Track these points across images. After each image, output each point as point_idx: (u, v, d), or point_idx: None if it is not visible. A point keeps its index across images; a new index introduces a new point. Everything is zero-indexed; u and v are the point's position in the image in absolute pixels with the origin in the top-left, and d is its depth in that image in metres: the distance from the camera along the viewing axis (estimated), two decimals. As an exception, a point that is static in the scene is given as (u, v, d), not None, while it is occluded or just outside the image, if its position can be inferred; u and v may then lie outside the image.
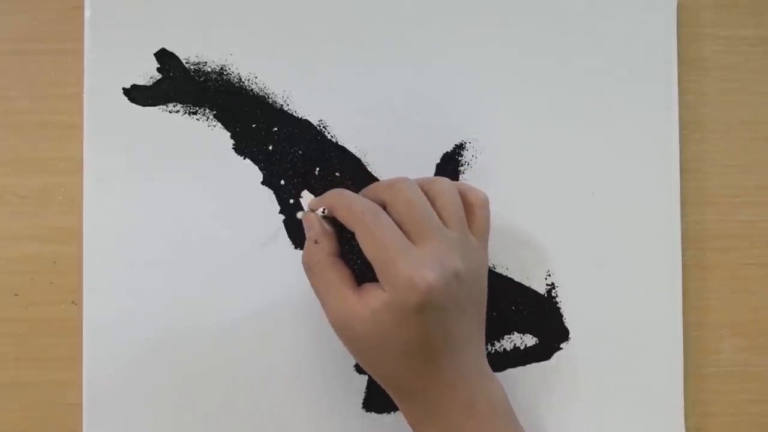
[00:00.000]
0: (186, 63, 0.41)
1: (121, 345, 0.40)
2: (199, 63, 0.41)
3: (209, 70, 0.41)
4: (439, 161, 0.41)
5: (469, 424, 0.34)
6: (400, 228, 0.34)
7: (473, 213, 0.36)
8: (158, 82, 0.41)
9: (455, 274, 0.33)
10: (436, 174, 0.41)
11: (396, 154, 0.41)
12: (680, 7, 0.42)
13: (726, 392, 0.42)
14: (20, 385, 0.41)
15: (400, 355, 0.33)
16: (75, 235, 0.41)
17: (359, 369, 0.41)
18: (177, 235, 0.41)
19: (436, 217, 0.34)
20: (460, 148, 0.42)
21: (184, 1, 0.41)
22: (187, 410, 0.40)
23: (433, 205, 0.35)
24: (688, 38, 0.43)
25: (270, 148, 0.41)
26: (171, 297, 0.41)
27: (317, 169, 0.41)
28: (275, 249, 0.41)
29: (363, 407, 0.41)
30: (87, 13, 0.41)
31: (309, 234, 0.36)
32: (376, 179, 0.41)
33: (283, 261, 0.41)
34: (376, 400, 0.41)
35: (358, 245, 0.34)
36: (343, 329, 0.34)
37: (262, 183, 0.41)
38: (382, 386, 0.36)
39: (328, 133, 0.41)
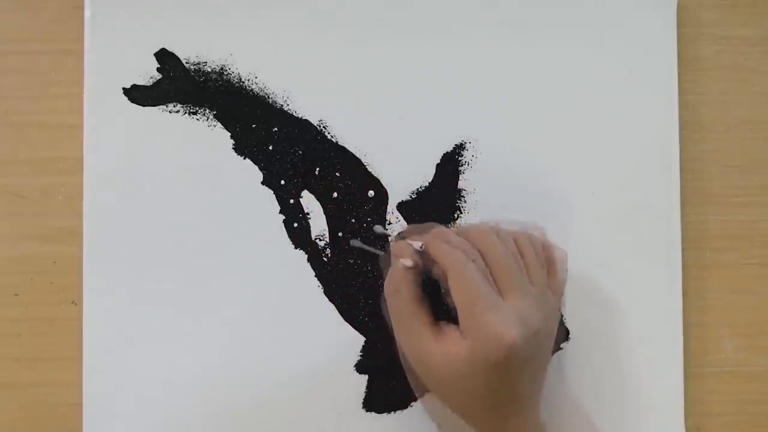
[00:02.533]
0: (186, 63, 0.41)
1: (121, 345, 0.40)
2: (199, 63, 0.41)
3: (209, 70, 0.41)
4: (439, 161, 0.41)
5: None
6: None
7: (553, 269, 0.38)
8: (158, 82, 0.41)
9: (536, 333, 0.34)
10: (436, 174, 0.41)
11: (396, 154, 0.41)
12: (680, 7, 0.42)
13: (726, 392, 0.42)
14: (20, 385, 0.41)
15: (469, 400, 0.34)
16: (75, 235, 0.41)
17: (359, 369, 0.41)
18: (177, 235, 0.41)
19: (524, 273, 0.35)
20: (460, 148, 0.42)
21: (184, 1, 0.41)
22: (187, 410, 0.40)
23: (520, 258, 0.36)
24: (688, 38, 0.43)
25: (270, 148, 0.41)
26: (171, 297, 0.41)
27: (317, 169, 0.41)
28: (275, 249, 0.41)
29: (363, 407, 0.41)
30: (87, 13, 0.41)
31: (398, 259, 0.36)
32: (376, 179, 0.41)
33: (283, 261, 0.41)
34: (376, 400, 0.41)
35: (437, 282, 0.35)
36: (421, 369, 0.35)
37: (262, 183, 0.41)
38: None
39: (328, 133, 0.41)
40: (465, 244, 0.35)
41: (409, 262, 0.35)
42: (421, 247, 0.36)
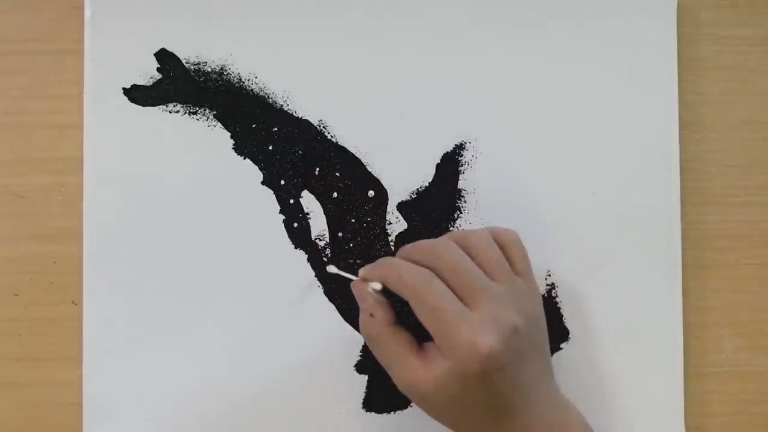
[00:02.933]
0: (186, 63, 0.41)
1: (121, 345, 0.40)
2: (199, 63, 0.41)
3: (209, 70, 0.41)
4: (439, 161, 0.41)
5: None
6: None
7: (509, 253, 0.36)
8: (158, 82, 0.41)
9: (513, 330, 0.33)
10: (436, 174, 0.41)
11: (396, 154, 0.41)
12: (680, 7, 0.42)
13: (726, 392, 0.42)
14: (20, 385, 0.41)
15: (471, 413, 0.34)
16: (75, 235, 0.41)
17: (359, 369, 0.41)
18: (177, 235, 0.41)
19: (483, 275, 0.35)
20: (460, 148, 0.42)
21: (184, 1, 0.41)
22: (186, 410, 0.40)
23: (474, 260, 0.35)
24: (688, 38, 0.43)
25: (270, 148, 0.41)
26: (170, 297, 0.41)
27: (317, 169, 0.41)
28: (275, 249, 0.41)
29: (363, 407, 0.41)
30: (87, 13, 0.41)
31: (363, 306, 0.36)
32: (376, 179, 0.41)
33: (283, 261, 0.41)
34: (376, 400, 0.41)
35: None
36: (412, 394, 0.35)
37: (262, 183, 0.41)
38: None
39: (328, 133, 0.41)
40: (415, 268, 0.35)
41: (378, 285, 0.35)
42: (381, 289, 0.36)
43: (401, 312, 0.36)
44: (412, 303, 0.34)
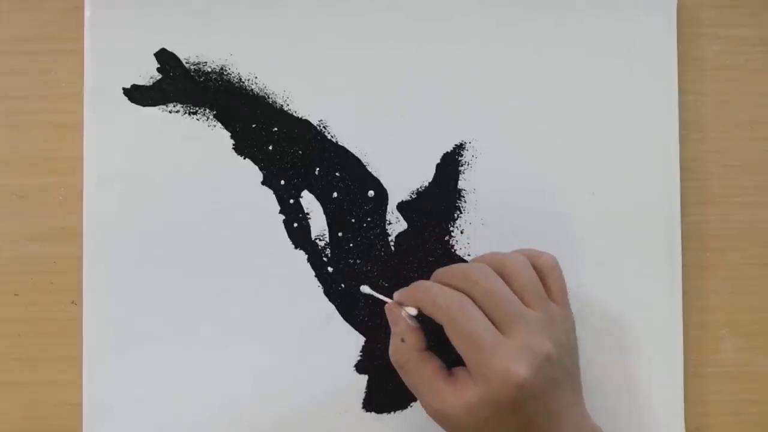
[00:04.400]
0: (186, 63, 0.41)
1: (121, 345, 0.40)
2: (199, 63, 0.41)
3: (209, 70, 0.41)
4: (439, 161, 0.41)
5: None
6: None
7: (546, 279, 0.36)
8: (158, 82, 0.41)
9: (547, 358, 0.33)
10: (436, 174, 0.41)
11: (396, 154, 0.41)
12: (680, 7, 0.42)
13: (726, 392, 0.42)
14: (20, 385, 0.41)
15: None
16: (75, 235, 0.41)
17: (359, 369, 0.41)
18: (177, 235, 0.41)
19: (518, 301, 0.34)
20: (460, 148, 0.42)
21: (184, 1, 0.41)
22: (186, 409, 0.40)
23: (509, 285, 0.35)
24: (688, 38, 0.43)
25: (270, 148, 0.41)
26: (170, 297, 0.41)
27: (317, 169, 0.41)
28: (275, 249, 0.41)
29: (363, 407, 0.41)
30: (87, 13, 0.41)
31: (395, 330, 0.36)
32: (376, 179, 0.41)
33: (283, 261, 0.41)
34: (376, 400, 0.41)
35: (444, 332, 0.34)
36: (441, 420, 0.35)
37: (262, 183, 0.41)
38: None
39: (328, 133, 0.41)
40: (450, 292, 0.35)
41: (413, 310, 0.36)
42: (417, 315, 0.36)
43: (431, 335, 0.36)
44: (447, 328, 0.34)
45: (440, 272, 0.37)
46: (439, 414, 0.34)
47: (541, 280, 0.36)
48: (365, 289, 0.40)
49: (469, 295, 0.34)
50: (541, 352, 0.33)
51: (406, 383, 0.36)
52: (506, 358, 0.32)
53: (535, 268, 0.36)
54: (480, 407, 0.33)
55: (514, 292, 0.35)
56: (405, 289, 0.37)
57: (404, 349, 0.36)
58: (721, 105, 0.43)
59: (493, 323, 0.34)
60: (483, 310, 0.34)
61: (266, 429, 0.40)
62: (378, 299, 0.40)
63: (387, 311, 0.37)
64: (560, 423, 0.34)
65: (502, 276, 0.35)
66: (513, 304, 0.34)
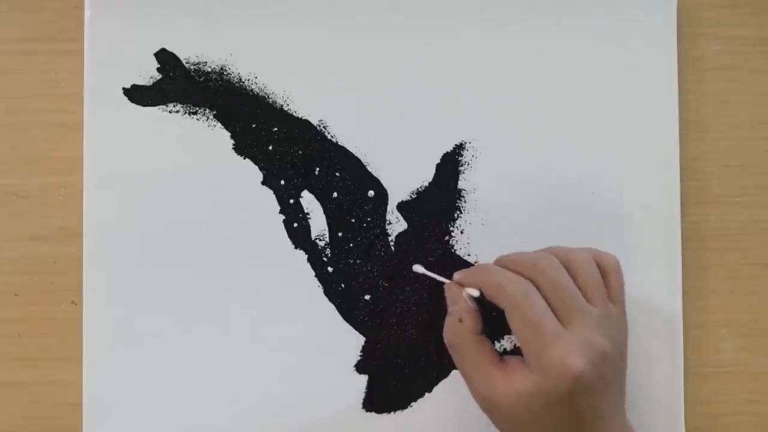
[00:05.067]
0: (186, 63, 0.41)
1: (121, 345, 0.40)
2: (199, 63, 0.41)
3: (209, 70, 0.41)
4: (439, 161, 0.41)
5: None
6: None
7: (608, 279, 0.37)
8: (158, 82, 0.41)
9: (603, 355, 0.33)
10: (437, 174, 0.41)
11: (396, 154, 0.41)
12: (680, 7, 0.42)
13: (726, 392, 0.42)
14: (20, 385, 0.41)
15: (545, 431, 0.34)
16: (75, 235, 0.41)
17: (359, 369, 0.41)
18: (177, 235, 0.41)
19: (581, 295, 0.35)
20: (460, 148, 0.42)
21: (184, 1, 0.41)
22: (186, 409, 0.40)
23: (574, 279, 0.35)
24: (688, 38, 0.43)
25: (270, 148, 0.41)
26: (170, 297, 0.41)
27: (317, 169, 0.41)
28: (275, 249, 0.41)
29: (363, 407, 0.41)
30: (87, 13, 0.41)
31: (452, 309, 0.37)
32: (376, 179, 0.41)
33: (283, 261, 0.41)
34: (376, 400, 0.41)
35: (497, 318, 0.34)
36: (489, 407, 0.35)
37: (262, 183, 0.41)
38: None
39: (328, 133, 0.41)
40: (516, 279, 0.35)
41: (475, 292, 0.36)
42: (479, 296, 0.36)
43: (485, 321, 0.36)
44: (509, 313, 0.34)
45: (505, 258, 0.37)
46: (488, 401, 0.34)
47: (604, 280, 0.36)
48: (418, 268, 0.40)
49: (534, 284, 0.35)
50: (599, 349, 0.33)
51: (457, 365, 0.36)
52: (565, 349, 0.33)
53: (601, 267, 0.36)
54: (533, 397, 0.33)
55: (578, 287, 0.35)
56: (467, 269, 0.37)
57: (460, 329, 0.36)
58: (721, 105, 0.43)
59: (555, 315, 0.34)
60: (546, 301, 0.34)
61: (266, 429, 0.40)
62: (431, 279, 0.39)
63: (447, 290, 0.37)
64: (605, 421, 0.34)
65: (567, 269, 0.35)
66: (576, 297, 0.34)
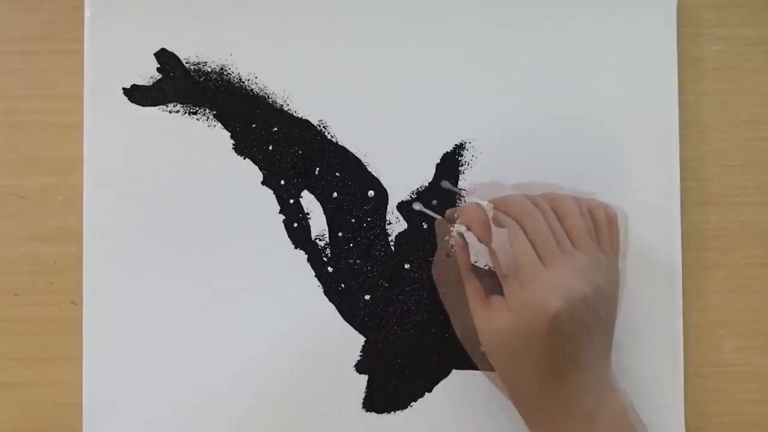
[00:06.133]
0: (186, 63, 0.41)
1: (121, 345, 0.40)
2: (199, 63, 0.41)
3: (209, 70, 0.41)
4: (439, 161, 0.41)
5: None
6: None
7: (600, 229, 0.37)
8: (158, 82, 0.41)
9: (583, 299, 0.34)
10: (436, 174, 0.41)
11: (396, 154, 0.41)
12: (680, 7, 0.42)
13: (726, 392, 0.42)
14: (20, 385, 0.41)
15: (525, 372, 0.34)
16: (75, 235, 0.41)
17: (359, 369, 0.41)
18: (177, 235, 0.41)
19: (567, 240, 0.35)
20: (460, 148, 0.42)
21: (184, 1, 0.41)
22: (186, 409, 0.40)
23: (562, 223, 0.36)
24: (688, 38, 0.43)
25: (270, 148, 0.41)
26: (170, 297, 0.41)
27: (317, 169, 0.41)
28: (275, 249, 0.41)
29: (363, 407, 0.41)
30: (87, 13, 0.41)
31: (441, 245, 0.37)
32: (376, 179, 0.41)
33: (283, 261, 0.41)
34: (376, 400, 0.41)
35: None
36: (468, 341, 0.36)
37: (262, 183, 0.41)
38: (507, 392, 0.36)
39: (328, 133, 0.41)
40: (503, 218, 0.35)
41: (463, 228, 0.36)
42: (465, 229, 0.36)
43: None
44: (491, 250, 0.35)
45: (497, 199, 0.37)
46: (468, 334, 0.35)
47: (596, 230, 0.37)
48: (417, 205, 0.40)
49: (520, 225, 0.35)
50: (578, 292, 0.33)
51: (443, 300, 0.37)
52: (543, 290, 0.33)
53: (592, 217, 0.37)
54: (510, 335, 0.33)
55: (565, 231, 0.35)
56: (457, 207, 0.38)
57: (447, 264, 0.36)
58: (721, 105, 0.43)
59: (538, 256, 0.34)
60: (533, 242, 0.35)
61: (266, 429, 0.40)
62: (429, 216, 0.40)
63: (436, 226, 0.38)
64: (583, 369, 0.34)
65: (556, 214, 0.36)
66: (561, 241, 0.35)
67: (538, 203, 0.36)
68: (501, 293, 0.35)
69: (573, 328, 0.33)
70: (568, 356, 0.34)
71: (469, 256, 0.37)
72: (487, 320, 0.34)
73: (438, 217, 0.38)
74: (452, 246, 0.37)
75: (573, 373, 0.34)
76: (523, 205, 0.36)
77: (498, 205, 0.37)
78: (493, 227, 0.36)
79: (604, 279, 0.36)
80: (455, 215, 0.38)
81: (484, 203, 0.37)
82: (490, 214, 0.36)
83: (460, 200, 0.41)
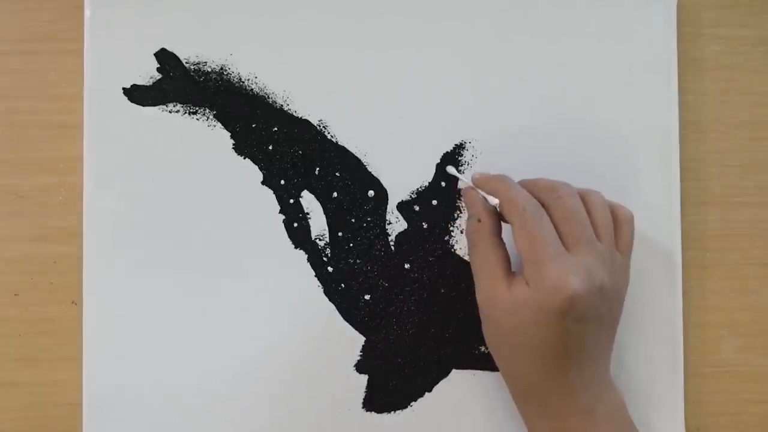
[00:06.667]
0: (186, 63, 0.41)
1: (121, 345, 0.40)
2: (199, 63, 0.41)
3: (209, 70, 0.41)
4: (439, 161, 0.41)
5: (586, 428, 0.34)
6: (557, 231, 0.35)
7: (620, 229, 0.37)
8: (158, 82, 0.41)
9: (600, 288, 0.34)
10: (436, 173, 0.41)
11: (396, 154, 0.41)
12: (680, 7, 0.42)
13: (726, 392, 0.42)
14: (20, 385, 0.41)
15: (531, 352, 0.34)
16: (75, 235, 0.41)
17: (359, 369, 0.41)
18: (177, 235, 0.41)
19: (591, 228, 0.35)
20: (460, 148, 0.42)
21: (184, 1, 0.41)
22: (186, 409, 0.40)
23: (588, 213, 0.36)
24: (688, 38, 0.43)
25: (270, 148, 0.41)
26: (171, 297, 0.41)
27: (317, 169, 0.41)
28: (275, 249, 0.41)
29: (363, 407, 0.41)
30: (87, 13, 0.41)
31: (472, 211, 0.37)
32: (376, 179, 0.41)
33: (283, 261, 0.41)
34: (376, 400, 0.41)
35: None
36: (487, 310, 0.36)
37: (262, 183, 0.41)
38: (507, 382, 0.37)
39: (328, 133, 0.41)
40: (529, 196, 0.35)
41: (493, 200, 0.36)
42: (496, 204, 0.36)
43: None
44: (515, 226, 0.35)
45: (527, 180, 0.37)
46: (487, 303, 0.35)
47: (615, 229, 0.37)
48: (450, 169, 0.41)
49: (547, 207, 0.35)
50: (598, 279, 0.34)
51: (472, 263, 0.37)
52: (563, 269, 0.33)
53: (614, 216, 0.37)
54: (524, 309, 0.33)
55: (591, 221, 0.36)
56: (488, 175, 0.38)
57: (480, 228, 0.36)
58: (721, 105, 0.43)
59: (563, 240, 0.34)
60: (558, 224, 0.35)
61: (267, 428, 0.40)
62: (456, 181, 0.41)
63: (464, 194, 0.38)
64: (587, 359, 0.34)
65: (583, 203, 0.36)
66: (587, 228, 0.35)
67: (566, 189, 0.36)
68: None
69: (587, 314, 0.33)
70: (576, 343, 0.34)
71: (498, 222, 0.37)
72: (507, 290, 0.34)
73: (468, 183, 0.38)
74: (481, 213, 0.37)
75: (575, 363, 0.34)
76: (552, 188, 0.36)
77: (529, 185, 0.37)
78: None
79: (619, 275, 0.36)
80: (483, 182, 0.38)
81: (492, 198, 0.37)
82: (494, 202, 0.36)
83: (461, 199, 0.41)
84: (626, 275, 0.37)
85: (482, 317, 0.36)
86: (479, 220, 0.36)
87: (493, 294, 0.35)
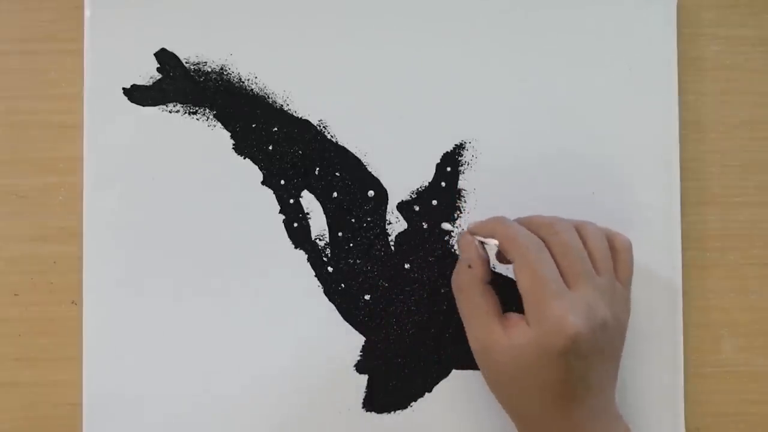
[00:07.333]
0: (186, 63, 0.41)
1: (121, 345, 0.40)
2: (199, 63, 0.41)
3: (209, 70, 0.41)
4: (439, 161, 0.41)
5: None
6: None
7: (618, 258, 0.37)
8: (158, 82, 0.41)
9: (602, 324, 0.33)
10: (436, 173, 0.41)
11: (396, 154, 0.41)
12: (680, 7, 0.42)
13: (726, 392, 0.42)
14: (20, 385, 0.41)
15: (535, 393, 0.34)
16: (75, 235, 0.41)
17: (359, 369, 0.41)
18: (177, 235, 0.41)
19: (590, 262, 0.35)
20: (460, 148, 0.42)
21: (184, 1, 0.41)
22: (186, 409, 0.40)
23: (584, 246, 0.36)
24: (688, 38, 0.43)
25: (270, 148, 0.41)
26: (171, 296, 0.41)
27: (317, 169, 0.41)
28: (275, 249, 0.41)
29: (363, 407, 0.41)
30: (87, 13, 0.41)
31: (464, 256, 0.37)
32: (376, 179, 0.41)
33: (283, 261, 0.41)
34: (376, 400, 0.41)
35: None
36: (483, 356, 0.35)
37: (262, 183, 0.41)
38: (512, 419, 0.36)
39: (328, 133, 0.41)
40: (530, 235, 0.35)
41: (491, 241, 0.36)
42: (496, 245, 0.36)
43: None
44: (517, 265, 0.34)
45: (523, 218, 0.37)
46: (484, 350, 0.35)
47: (613, 258, 0.37)
48: (446, 225, 0.41)
49: (546, 244, 0.35)
50: (599, 316, 0.33)
51: (460, 311, 0.37)
52: (565, 308, 0.33)
53: (610, 245, 0.37)
54: (526, 351, 0.33)
55: (588, 253, 0.35)
56: (483, 220, 0.37)
57: (469, 276, 0.36)
58: (721, 105, 0.43)
59: (563, 277, 0.34)
60: (556, 261, 0.34)
61: (266, 429, 0.40)
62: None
63: (460, 238, 0.38)
64: (592, 395, 0.34)
65: (579, 235, 0.36)
66: (585, 263, 0.35)
67: (562, 224, 0.36)
68: (518, 309, 0.35)
69: (590, 350, 0.33)
70: (580, 380, 0.33)
71: (488, 269, 0.37)
72: (504, 334, 0.34)
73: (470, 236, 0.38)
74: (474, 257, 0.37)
75: (581, 399, 0.34)
76: (549, 224, 0.36)
77: (525, 223, 0.36)
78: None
79: (620, 308, 0.36)
80: (480, 227, 0.38)
81: (490, 241, 0.36)
82: (494, 251, 0.36)
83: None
84: (627, 305, 0.37)
85: (479, 362, 0.36)
86: (470, 266, 0.36)
87: (489, 338, 0.35)
